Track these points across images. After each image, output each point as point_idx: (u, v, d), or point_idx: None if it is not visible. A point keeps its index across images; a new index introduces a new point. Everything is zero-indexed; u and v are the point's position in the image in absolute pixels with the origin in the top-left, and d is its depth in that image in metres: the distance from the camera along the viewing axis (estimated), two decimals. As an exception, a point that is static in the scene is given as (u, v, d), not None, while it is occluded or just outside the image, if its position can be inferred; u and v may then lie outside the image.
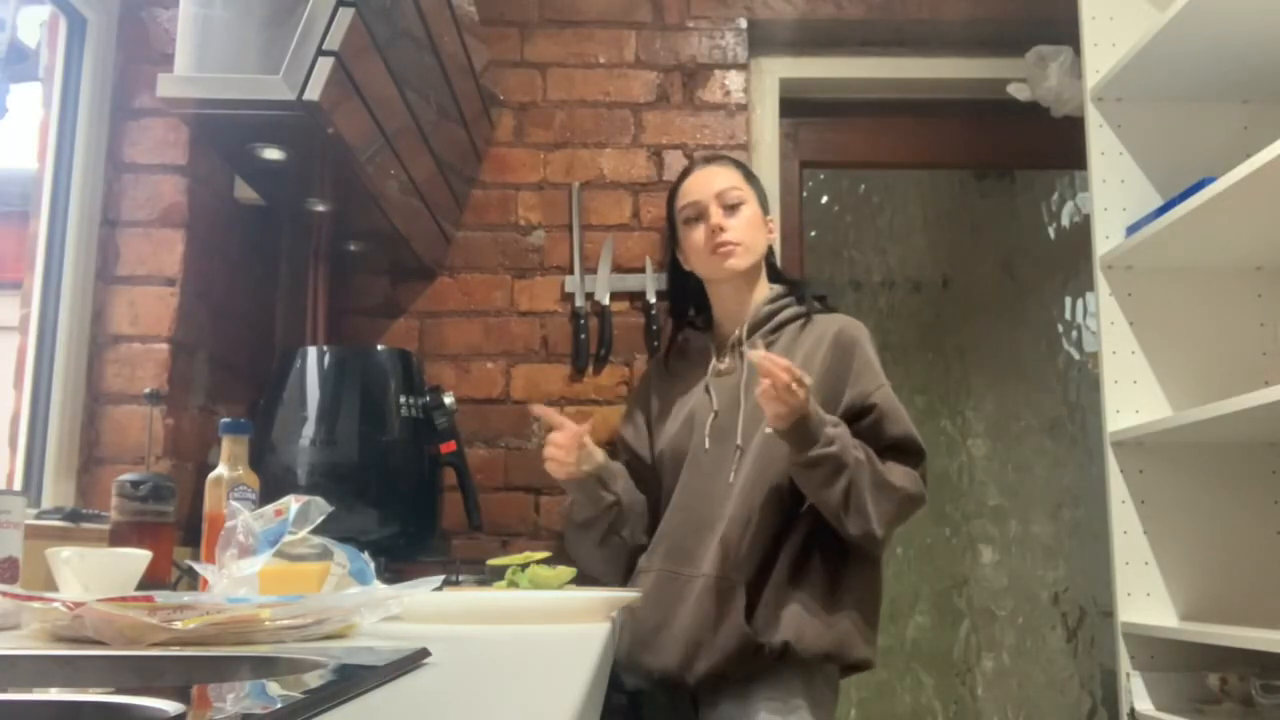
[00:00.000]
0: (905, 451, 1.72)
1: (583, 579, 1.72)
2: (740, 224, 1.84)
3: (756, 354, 1.59)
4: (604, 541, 1.86)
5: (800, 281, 1.97)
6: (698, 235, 1.86)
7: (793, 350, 1.79)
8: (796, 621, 1.66)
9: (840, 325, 1.82)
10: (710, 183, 1.87)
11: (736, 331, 1.86)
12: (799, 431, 1.60)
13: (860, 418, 1.73)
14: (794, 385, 1.55)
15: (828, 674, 1.72)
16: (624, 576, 1.90)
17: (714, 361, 1.87)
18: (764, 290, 1.90)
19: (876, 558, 1.77)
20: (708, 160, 1.97)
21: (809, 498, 1.69)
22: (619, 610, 1.49)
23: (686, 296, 1.98)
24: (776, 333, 1.84)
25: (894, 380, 1.81)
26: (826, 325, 1.82)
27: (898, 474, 1.69)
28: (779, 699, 1.66)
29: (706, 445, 1.79)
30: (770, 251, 1.94)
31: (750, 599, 1.68)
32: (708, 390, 1.85)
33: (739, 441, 1.76)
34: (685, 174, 1.97)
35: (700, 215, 1.85)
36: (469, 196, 2.52)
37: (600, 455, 1.86)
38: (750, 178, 1.94)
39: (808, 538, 1.71)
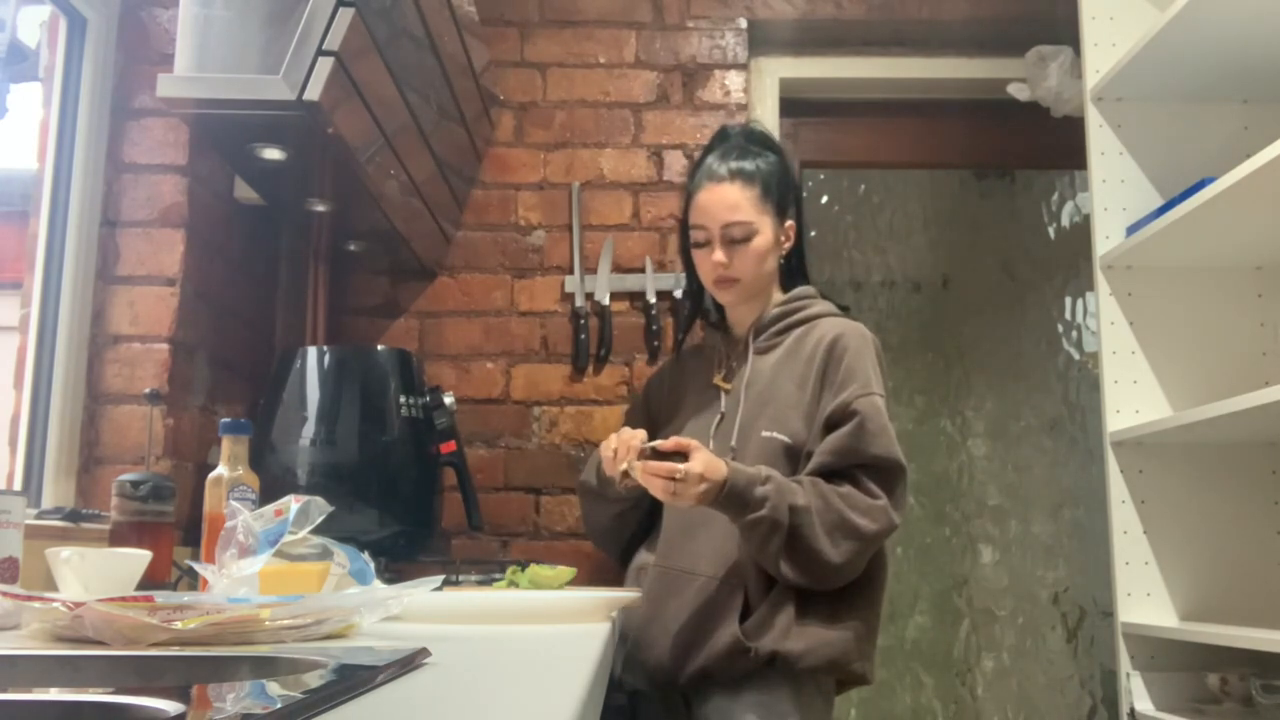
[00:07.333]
0: (881, 470, 1.66)
1: (582, 577, 1.73)
2: (745, 259, 1.78)
3: (636, 466, 1.56)
4: (621, 515, 1.87)
5: (816, 291, 1.90)
6: (703, 259, 1.83)
7: (793, 354, 1.79)
8: (790, 632, 1.64)
9: (840, 330, 1.77)
10: (718, 211, 1.79)
11: (745, 335, 1.86)
12: (726, 504, 1.60)
13: (839, 425, 1.68)
14: (677, 482, 1.54)
15: (820, 683, 1.71)
16: (619, 553, 1.92)
17: (724, 362, 1.87)
18: (775, 296, 1.88)
19: (880, 571, 1.75)
20: (726, 174, 1.80)
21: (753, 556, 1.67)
22: (618, 610, 1.49)
23: (703, 292, 1.95)
24: (781, 336, 1.83)
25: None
26: (828, 329, 1.79)
27: (860, 508, 1.63)
28: (767, 705, 1.66)
29: (710, 446, 1.77)
30: (791, 254, 1.89)
31: (748, 602, 1.67)
32: (716, 391, 1.85)
33: (733, 443, 1.75)
34: (699, 173, 1.85)
35: (708, 241, 1.80)
36: (469, 196, 2.52)
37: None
38: (767, 192, 1.81)
39: None
